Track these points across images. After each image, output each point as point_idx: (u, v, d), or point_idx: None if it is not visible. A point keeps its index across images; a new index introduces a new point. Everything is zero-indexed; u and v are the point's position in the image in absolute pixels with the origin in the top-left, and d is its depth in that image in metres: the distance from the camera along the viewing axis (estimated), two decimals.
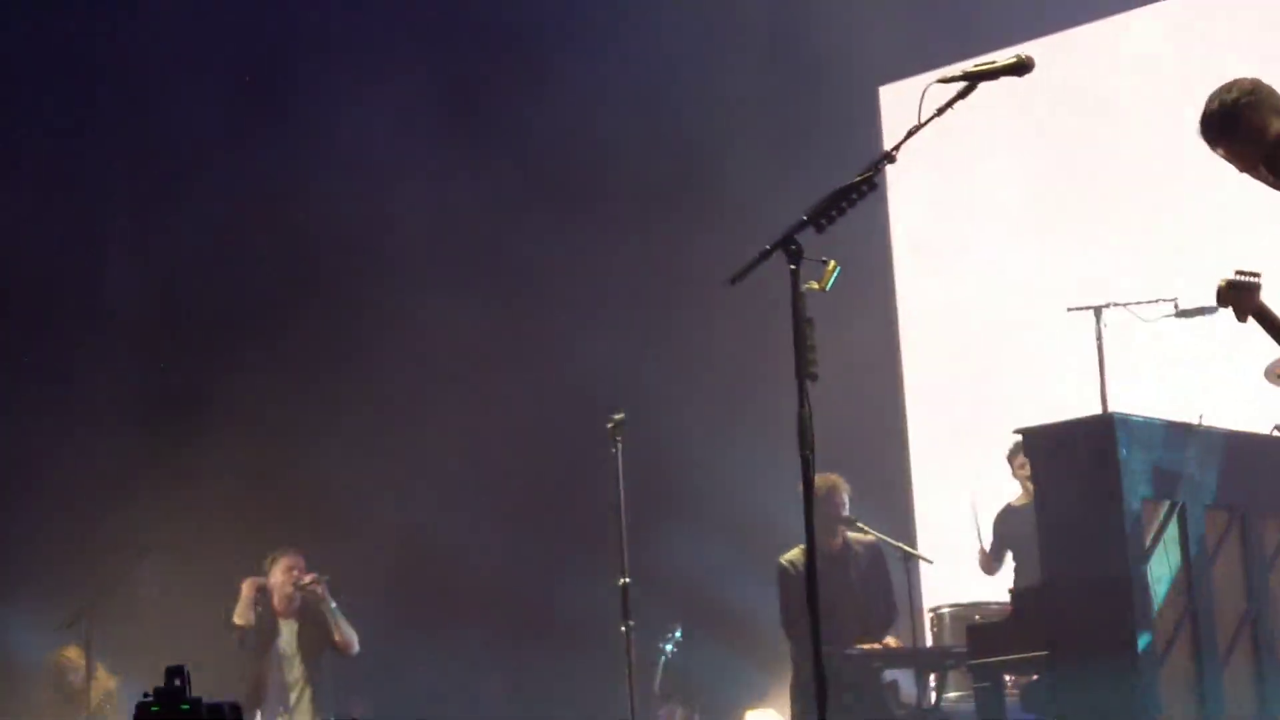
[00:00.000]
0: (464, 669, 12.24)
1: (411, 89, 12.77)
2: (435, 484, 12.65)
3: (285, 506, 12.08)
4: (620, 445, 8.70)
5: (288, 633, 10.60)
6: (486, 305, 12.94)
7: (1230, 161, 5.17)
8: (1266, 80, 5.29)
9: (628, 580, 8.51)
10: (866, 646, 9.36)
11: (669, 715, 11.79)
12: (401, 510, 12.60)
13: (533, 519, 12.35)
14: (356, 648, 10.52)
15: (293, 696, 10.52)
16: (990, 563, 10.49)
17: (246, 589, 10.53)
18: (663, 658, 11.71)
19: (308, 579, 10.48)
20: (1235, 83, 5.22)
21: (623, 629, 8.50)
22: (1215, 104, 5.19)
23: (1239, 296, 4.82)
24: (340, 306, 13.06)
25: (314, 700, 10.55)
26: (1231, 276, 4.83)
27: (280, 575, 10.59)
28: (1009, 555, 10.42)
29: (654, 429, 11.31)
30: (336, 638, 10.47)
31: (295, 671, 10.53)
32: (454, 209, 13.07)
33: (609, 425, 8.79)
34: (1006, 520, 10.38)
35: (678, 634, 11.72)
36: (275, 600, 10.59)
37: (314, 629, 10.56)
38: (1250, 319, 4.83)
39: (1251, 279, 4.84)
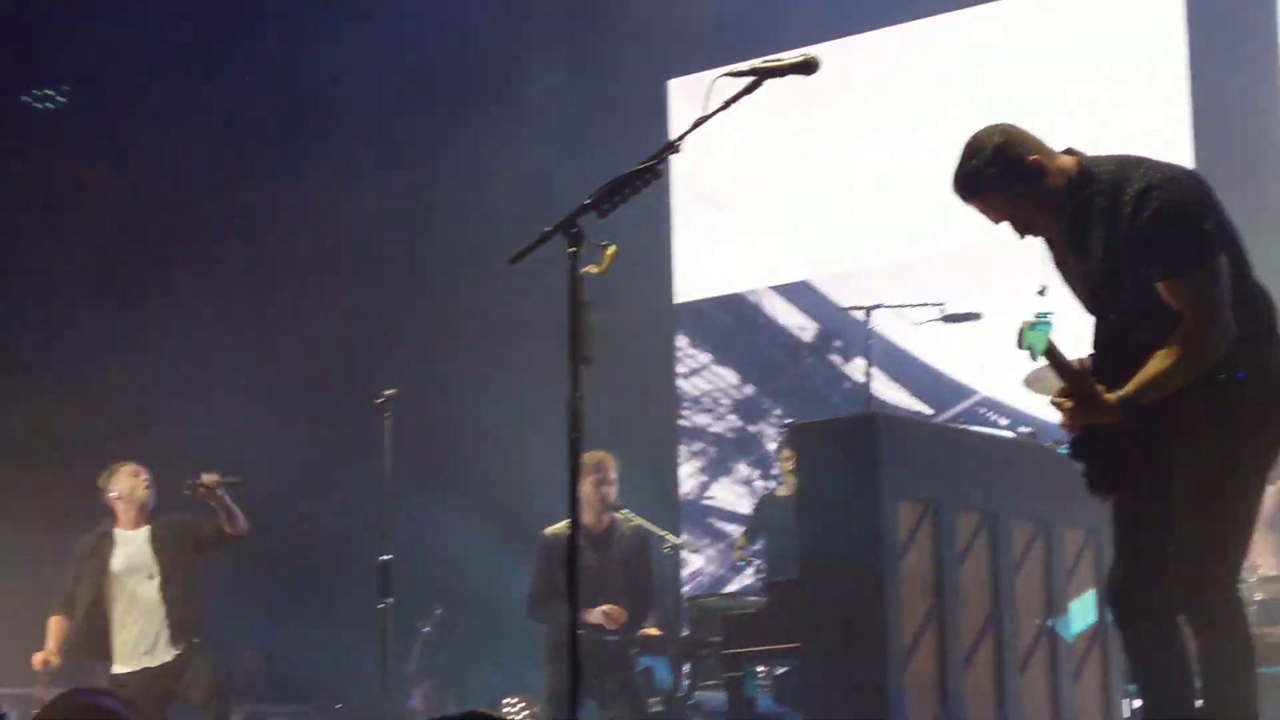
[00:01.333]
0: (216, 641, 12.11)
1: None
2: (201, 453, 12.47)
3: None
4: (389, 421, 8.69)
5: (137, 543, 9.47)
6: (251, 278, 12.84)
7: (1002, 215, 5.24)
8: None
9: (389, 557, 8.48)
10: (600, 622, 9.38)
11: (423, 695, 11.76)
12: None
13: (303, 491, 12.23)
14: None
15: (151, 627, 9.34)
16: (744, 544, 10.56)
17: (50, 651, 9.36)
18: (419, 639, 11.69)
19: (210, 479, 9.29)
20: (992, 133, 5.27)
21: (380, 606, 8.48)
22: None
23: (1037, 339, 4.95)
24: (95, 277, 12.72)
25: (178, 626, 9.34)
26: (1031, 319, 4.95)
27: (128, 480, 9.51)
28: (760, 544, 10.54)
29: (431, 408, 11.30)
30: (229, 529, 9.30)
31: (151, 591, 9.33)
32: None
33: (379, 401, 8.78)
34: (767, 508, 10.47)
35: (439, 613, 11.70)
36: (121, 511, 9.50)
37: (172, 532, 9.45)
38: (1043, 358, 4.97)
39: (1044, 318, 4.98)
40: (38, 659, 9.27)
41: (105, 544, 9.40)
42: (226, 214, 13.05)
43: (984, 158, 5.10)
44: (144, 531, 9.45)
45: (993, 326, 9.97)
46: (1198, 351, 4.92)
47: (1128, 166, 5.08)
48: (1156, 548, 5.07)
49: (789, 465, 10.14)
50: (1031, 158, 5.08)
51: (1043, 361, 4.96)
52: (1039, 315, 4.95)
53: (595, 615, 9.17)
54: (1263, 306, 5.08)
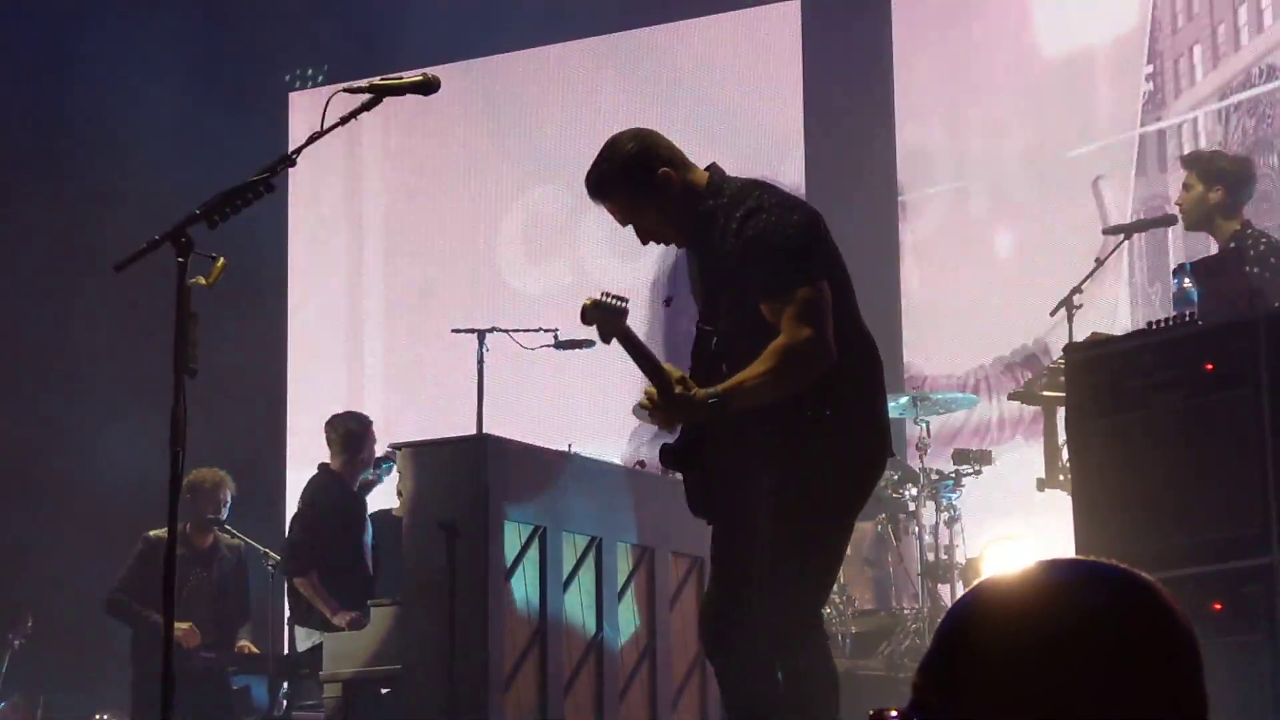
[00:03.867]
0: None
1: None
2: None
3: None
4: None
5: None
6: None
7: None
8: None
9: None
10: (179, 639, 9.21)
11: (12, 709, 11.37)
12: None
13: None
14: None
15: None
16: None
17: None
18: (8, 651, 11.30)
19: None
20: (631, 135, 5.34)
21: None
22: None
23: (605, 317, 4.95)
24: None
25: None
26: (598, 297, 4.95)
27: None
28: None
29: (28, 413, 10.96)
30: None
31: None
32: None
33: None
34: (379, 524, 10.41)
35: (29, 625, 11.33)
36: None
37: None
38: (615, 341, 4.98)
39: (619, 303, 4.97)
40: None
41: None
42: None
43: (614, 162, 5.17)
44: None
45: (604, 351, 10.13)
46: (792, 362, 4.93)
47: (749, 188, 5.19)
48: (740, 580, 5.09)
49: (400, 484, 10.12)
50: (662, 170, 5.14)
51: (614, 345, 4.98)
52: (612, 296, 4.94)
53: (178, 632, 8.90)
54: (861, 350, 5.15)
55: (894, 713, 1.71)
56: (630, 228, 5.26)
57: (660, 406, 5.00)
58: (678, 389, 4.96)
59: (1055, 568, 1.71)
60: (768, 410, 4.99)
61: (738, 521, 5.13)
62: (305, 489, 9.39)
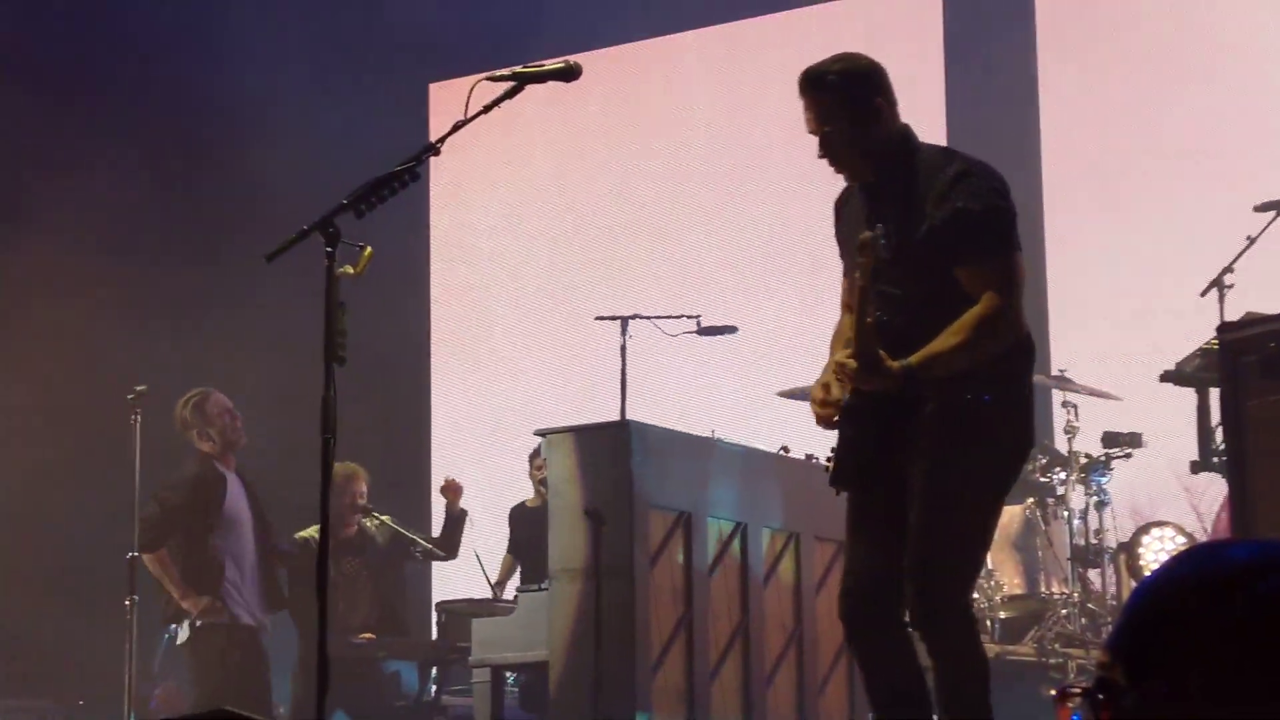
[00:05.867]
0: None
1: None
2: None
3: None
4: (140, 417, 8.52)
5: (236, 488, 8.92)
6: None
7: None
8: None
9: (136, 554, 8.32)
10: (367, 636, 9.37)
11: (165, 694, 11.54)
12: None
13: (53, 485, 11.96)
14: None
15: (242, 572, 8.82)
16: (512, 563, 10.55)
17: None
18: (166, 635, 11.47)
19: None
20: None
21: (127, 602, 8.33)
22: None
23: (874, 254, 4.90)
24: None
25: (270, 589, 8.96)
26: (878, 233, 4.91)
27: (213, 399, 8.89)
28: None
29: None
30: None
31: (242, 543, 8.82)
32: None
33: (130, 397, 8.61)
34: (519, 519, 10.48)
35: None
36: (214, 439, 8.83)
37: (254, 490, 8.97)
38: (852, 285, 4.96)
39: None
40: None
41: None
42: None
43: (844, 67, 5.20)
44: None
45: (746, 337, 10.10)
46: (990, 332, 4.92)
47: (948, 151, 5.23)
48: (888, 559, 5.06)
49: (540, 474, 10.15)
50: (879, 99, 5.15)
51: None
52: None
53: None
54: (1025, 334, 5.12)
55: (1078, 690, 1.68)
56: (816, 141, 5.19)
57: (858, 369, 4.92)
58: (874, 353, 4.87)
59: (1259, 547, 1.67)
60: (937, 387, 4.95)
61: (888, 503, 5.09)
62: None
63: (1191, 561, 1.68)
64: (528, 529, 10.15)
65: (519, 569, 10.41)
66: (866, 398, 5.02)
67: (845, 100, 5.13)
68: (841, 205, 5.42)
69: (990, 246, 4.99)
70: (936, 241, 4.98)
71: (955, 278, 4.98)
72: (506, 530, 10.45)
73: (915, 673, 5.11)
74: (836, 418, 5.11)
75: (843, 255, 5.34)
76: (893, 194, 5.09)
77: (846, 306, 5.27)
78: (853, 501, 5.23)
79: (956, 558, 5.01)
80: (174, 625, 8.65)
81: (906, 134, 5.21)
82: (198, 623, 8.64)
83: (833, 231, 5.45)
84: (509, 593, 10.11)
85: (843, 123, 5.13)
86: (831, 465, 5.17)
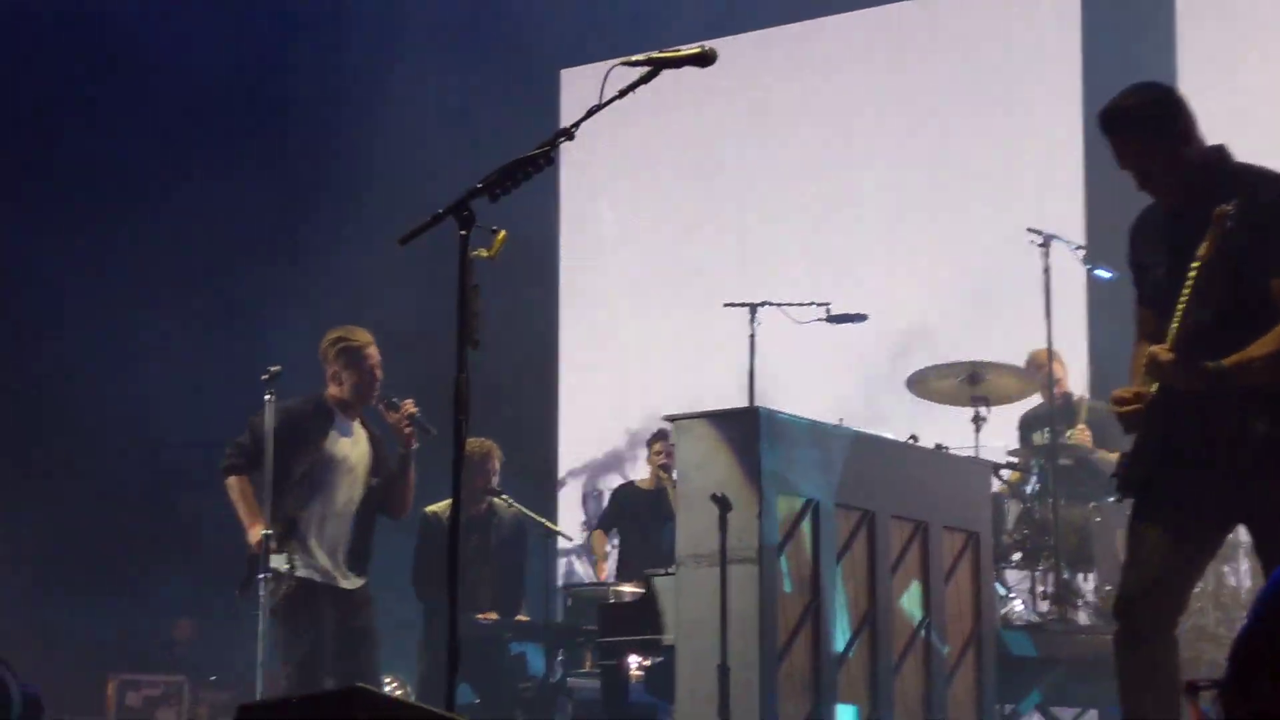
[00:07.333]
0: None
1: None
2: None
3: None
4: (274, 397, 8.56)
5: (356, 440, 8.12)
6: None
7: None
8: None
9: (269, 532, 8.30)
10: (490, 616, 9.42)
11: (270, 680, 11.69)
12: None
13: (178, 460, 12.17)
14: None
15: (340, 535, 7.97)
16: (603, 538, 10.57)
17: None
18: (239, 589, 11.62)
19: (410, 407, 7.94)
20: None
21: (259, 578, 8.36)
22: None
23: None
24: None
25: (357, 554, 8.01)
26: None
27: (368, 352, 8.08)
28: (614, 531, 10.56)
29: (310, 385, 11.21)
30: (397, 499, 8.08)
31: (353, 496, 8.02)
32: None
33: (264, 377, 8.63)
34: (627, 497, 10.48)
35: None
36: (345, 386, 8.08)
37: (382, 450, 8.16)
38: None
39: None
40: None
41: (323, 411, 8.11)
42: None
43: (1141, 100, 5.22)
44: (360, 433, 8.18)
45: (874, 325, 10.06)
46: None
47: (1267, 169, 5.24)
48: (1175, 570, 5.15)
49: (659, 459, 10.22)
50: (1183, 122, 5.19)
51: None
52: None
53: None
54: None
55: (1209, 684, 1.66)
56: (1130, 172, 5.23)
57: (1173, 365, 4.99)
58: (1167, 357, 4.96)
59: None
60: (1267, 407, 5.02)
61: (1197, 516, 5.15)
62: None
63: None
64: (634, 509, 10.20)
65: (615, 547, 10.44)
66: (1174, 397, 5.07)
67: (1154, 131, 5.17)
68: (1139, 230, 5.45)
69: None
70: (1249, 250, 4.99)
71: (1262, 296, 5.02)
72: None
73: (1174, 684, 5.05)
74: (1139, 416, 5.13)
75: (1136, 282, 5.40)
76: (1205, 213, 5.03)
77: (1143, 337, 5.31)
78: (1137, 510, 5.28)
79: None
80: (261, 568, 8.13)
81: (1218, 152, 5.25)
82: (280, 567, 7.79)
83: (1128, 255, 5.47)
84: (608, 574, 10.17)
85: (1154, 154, 5.18)
86: (1121, 471, 5.24)
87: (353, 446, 8.07)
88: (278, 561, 7.70)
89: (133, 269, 12.62)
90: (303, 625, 7.78)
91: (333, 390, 8.12)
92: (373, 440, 8.14)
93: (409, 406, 7.92)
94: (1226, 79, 10.85)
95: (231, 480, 8.03)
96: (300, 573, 7.81)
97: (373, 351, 8.10)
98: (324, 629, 7.81)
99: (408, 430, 7.93)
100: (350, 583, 7.94)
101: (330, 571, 7.90)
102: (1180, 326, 4.97)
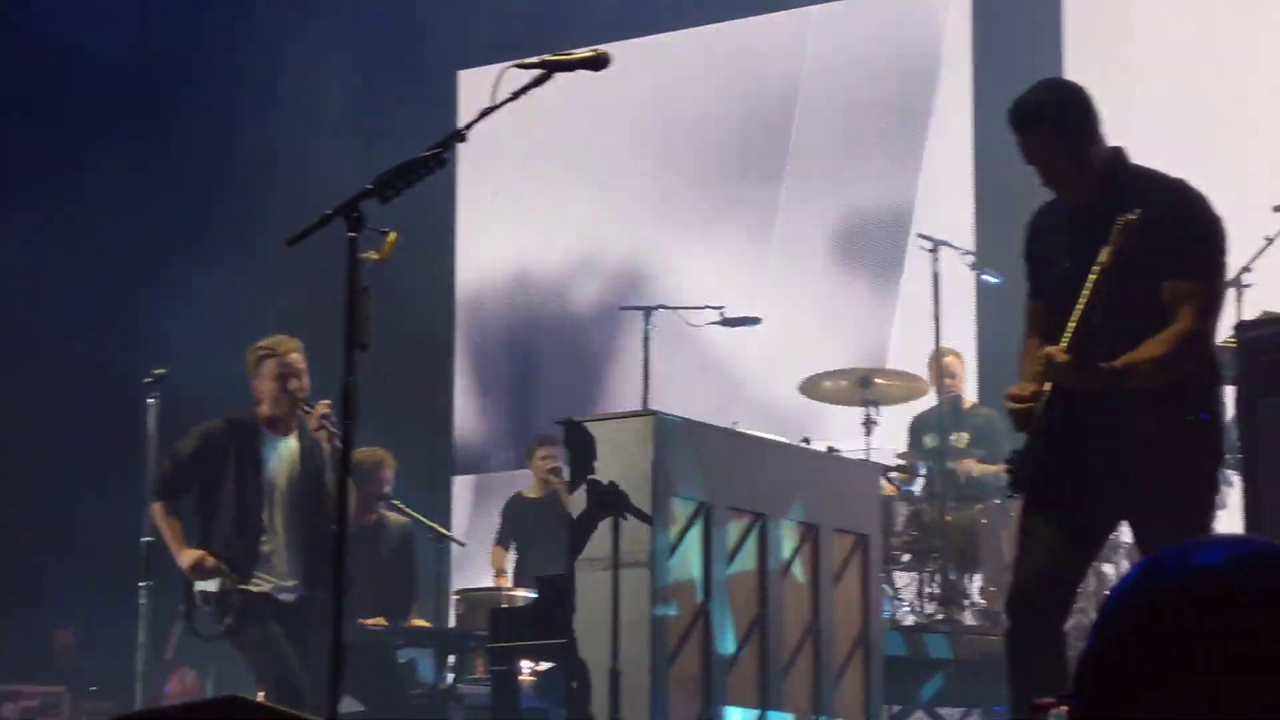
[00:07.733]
0: None
1: None
2: None
3: None
4: (158, 399, 8.49)
5: (285, 453, 7.96)
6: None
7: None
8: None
9: (150, 539, 8.23)
10: (378, 621, 9.33)
11: (178, 679, 11.55)
12: None
13: (54, 468, 12.01)
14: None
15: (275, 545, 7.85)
16: (502, 554, 10.49)
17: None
18: (180, 621, 11.47)
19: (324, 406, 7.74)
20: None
21: (140, 586, 8.30)
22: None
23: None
24: None
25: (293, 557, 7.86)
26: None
27: (289, 359, 7.87)
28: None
29: (197, 388, 11.14)
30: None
31: (287, 509, 7.87)
32: None
33: (147, 380, 8.56)
34: (515, 510, 10.42)
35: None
36: (266, 398, 7.88)
37: (315, 460, 7.94)
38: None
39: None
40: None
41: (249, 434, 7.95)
42: None
43: (1053, 97, 5.26)
44: (291, 446, 7.97)
45: (768, 329, 10.10)
46: (1187, 353, 5.06)
47: (1164, 175, 5.30)
48: (1064, 566, 5.26)
49: (543, 464, 10.09)
50: (1091, 121, 5.23)
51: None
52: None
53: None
54: (1215, 355, 5.27)
55: (1050, 701, 1.64)
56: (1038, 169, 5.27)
57: (1069, 365, 5.03)
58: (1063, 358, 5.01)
59: (1228, 550, 1.63)
60: (1153, 406, 5.07)
61: (1086, 516, 5.23)
62: None
63: (1163, 570, 1.63)
64: (525, 520, 10.13)
65: (514, 561, 10.35)
66: (1066, 397, 5.11)
67: (1063, 130, 5.20)
68: (1038, 225, 5.48)
69: (1203, 265, 5.13)
70: (1146, 250, 5.01)
71: (1151, 299, 5.07)
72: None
73: (1062, 679, 5.12)
74: (1032, 414, 5.16)
75: (1030, 277, 5.43)
76: (1106, 213, 5.08)
77: (1035, 331, 5.36)
78: (1028, 506, 5.33)
79: None
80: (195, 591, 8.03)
81: (1118, 154, 5.29)
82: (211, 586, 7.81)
83: (1023, 251, 5.51)
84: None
85: (1062, 153, 5.21)
86: (1012, 470, 5.28)
87: (280, 460, 7.93)
88: (212, 585, 7.67)
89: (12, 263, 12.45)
90: (258, 642, 7.71)
91: (261, 404, 7.97)
92: (304, 451, 7.98)
93: (321, 408, 7.79)
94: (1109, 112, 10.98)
95: (155, 507, 7.92)
96: (245, 587, 7.74)
97: (294, 359, 7.90)
98: (280, 642, 7.71)
99: (320, 431, 7.82)
100: (293, 595, 7.83)
101: (279, 585, 7.82)
102: (1076, 327, 5.02)
